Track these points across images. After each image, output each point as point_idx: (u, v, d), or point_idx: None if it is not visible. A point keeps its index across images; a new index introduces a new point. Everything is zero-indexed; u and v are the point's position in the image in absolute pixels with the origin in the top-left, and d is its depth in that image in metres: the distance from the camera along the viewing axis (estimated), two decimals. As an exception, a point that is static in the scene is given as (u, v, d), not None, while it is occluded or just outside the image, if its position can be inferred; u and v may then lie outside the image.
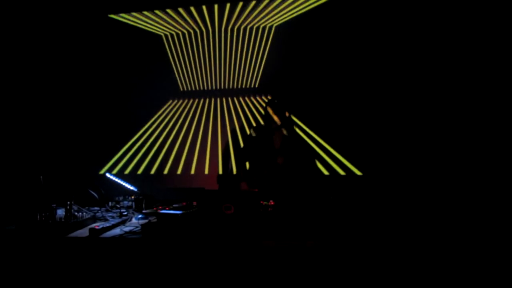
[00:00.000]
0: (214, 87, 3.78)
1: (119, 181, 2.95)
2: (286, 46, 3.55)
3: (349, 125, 3.26)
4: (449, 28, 3.06)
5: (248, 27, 3.69)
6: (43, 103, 3.84)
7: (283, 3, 3.57)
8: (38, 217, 2.03)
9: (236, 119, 3.66)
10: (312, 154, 3.25)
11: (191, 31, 3.83)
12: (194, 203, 2.36)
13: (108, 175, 3.03)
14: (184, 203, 2.35)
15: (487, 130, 2.91)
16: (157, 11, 3.82)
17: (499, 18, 2.92)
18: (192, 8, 3.78)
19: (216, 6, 3.73)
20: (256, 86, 3.65)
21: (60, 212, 2.16)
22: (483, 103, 2.94)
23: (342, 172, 3.28)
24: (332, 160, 3.32)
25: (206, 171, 3.63)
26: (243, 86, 3.71)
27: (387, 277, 1.67)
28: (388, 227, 2.02)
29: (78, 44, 3.88)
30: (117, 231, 2.03)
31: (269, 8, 3.62)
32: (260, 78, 3.64)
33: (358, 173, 3.24)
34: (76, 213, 2.22)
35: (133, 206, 2.57)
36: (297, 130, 3.29)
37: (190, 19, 3.81)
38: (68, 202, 2.12)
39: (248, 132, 3.49)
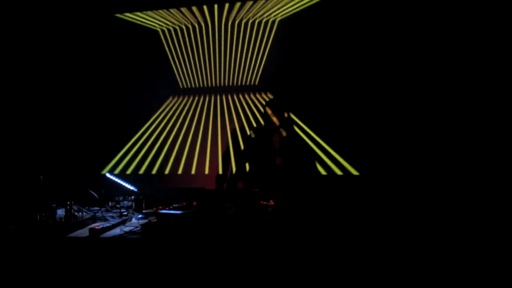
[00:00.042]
0: (214, 84, 3.75)
1: (119, 181, 2.95)
2: (287, 42, 3.49)
3: (347, 124, 3.25)
4: (449, 28, 3.06)
5: (250, 21, 3.62)
6: (43, 103, 3.83)
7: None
8: (38, 217, 2.03)
9: (236, 117, 3.64)
10: (311, 154, 3.25)
11: (189, 26, 3.77)
12: (194, 203, 2.36)
13: (108, 175, 3.03)
14: (184, 203, 2.35)
15: (485, 130, 2.91)
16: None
17: (499, 18, 2.92)
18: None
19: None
20: (256, 83, 3.63)
21: (60, 212, 2.16)
22: (479, 101, 2.94)
23: (339, 172, 3.28)
24: (329, 160, 3.31)
25: (207, 171, 3.63)
26: (243, 83, 3.67)
27: (387, 276, 1.67)
28: (385, 227, 2.02)
29: (77, 43, 3.87)
30: (117, 231, 2.03)
31: (272, 2, 3.53)
32: (261, 75, 3.61)
33: (355, 173, 3.24)
34: (76, 213, 2.22)
35: (133, 206, 2.57)
36: (296, 128, 3.28)
37: (189, 14, 3.75)
38: (68, 202, 2.12)
39: (248, 133, 3.49)
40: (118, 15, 3.87)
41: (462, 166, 2.91)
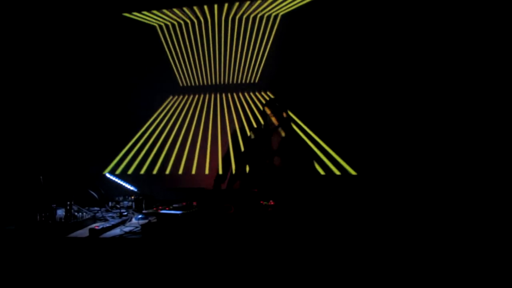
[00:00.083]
0: (214, 82, 3.72)
1: (119, 181, 2.95)
2: (288, 39, 3.47)
3: (346, 124, 3.24)
4: (448, 28, 3.06)
5: (251, 16, 3.56)
6: (43, 103, 3.83)
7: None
8: (38, 217, 2.03)
9: (236, 115, 3.62)
10: (310, 155, 3.25)
11: (188, 21, 3.71)
12: (194, 203, 2.36)
13: (108, 175, 3.03)
14: (184, 203, 2.35)
15: (482, 129, 2.91)
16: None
17: (499, 18, 2.92)
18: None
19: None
20: (256, 81, 3.62)
21: (60, 212, 2.16)
22: (476, 101, 2.94)
23: (337, 172, 3.28)
24: (328, 160, 3.31)
25: (207, 171, 3.63)
26: (244, 82, 3.65)
27: (385, 275, 1.67)
28: (383, 226, 2.02)
29: (77, 43, 3.87)
30: (117, 231, 2.03)
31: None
32: (261, 73, 3.59)
33: (353, 172, 3.24)
34: (76, 213, 2.22)
35: (133, 206, 2.57)
36: (295, 127, 3.28)
37: (188, 10, 3.70)
38: (68, 202, 2.12)
39: (248, 133, 3.49)
40: (125, 14, 3.83)
41: (459, 166, 2.92)
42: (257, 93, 3.60)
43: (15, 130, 3.71)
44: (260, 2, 3.54)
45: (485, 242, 1.80)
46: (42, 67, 3.85)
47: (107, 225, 2.07)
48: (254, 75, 3.62)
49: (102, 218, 2.36)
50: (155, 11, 3.80)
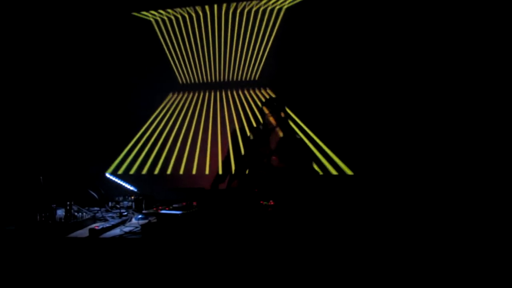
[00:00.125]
0: (213, 80, 3.70)
1: (118, 181, 2.95)
2: (290, 35, 3.45)
3: (344, 124, 3.24)
4: (448, 27, 3.06)
5: (254, 9, 3.52)
6: (43, 103, 3.84)
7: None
8: (38, 217, 2.03)
9: (236, 114, 3.62)
10: (309, 155, 3.25)
11: (186, 15, 3.67)
12: (194, 203, 2.36)
13: (108, 175, 3.03)
14: (184, 203, 2.35)
15: (479, 129, 2.91)
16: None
17: (499, 18, 2.92)
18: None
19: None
20: (257, 78, 3.60)
21: (60, 212, 2.16)
22: (473, 101, 2.94)
23: (334, 172, 3.27)
24: (325, 159, 3.30)
25: (207, 171, 3.62)
26: (244, 79, 3.62)
27: (384, 274, 1.67)
28: (380, 226, 2.02)
29: (77, 43, 3.87)
30: (117, 231, 2.03)
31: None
32: (261, 71, 3.56)
33: (350, 172, 3.24)
34: (76, 213, 2.22)
35: (133, 207, 2.57)
36: (293, 126, 3.27)
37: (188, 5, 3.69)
38: (68, 202, 2.12)
39: (248, 134, 3.49)
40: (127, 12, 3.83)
41: (456, 166, 2.92)
42: (257, 91, 3.59)
43: (15, 130, 3.71)
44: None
45: (484, 242, 1.80)
46: (41, 68, 3.85)
47: (107, 225, 2.07)
48: (254, 72, 3.60)
49: (102, 218, 2.36)
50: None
